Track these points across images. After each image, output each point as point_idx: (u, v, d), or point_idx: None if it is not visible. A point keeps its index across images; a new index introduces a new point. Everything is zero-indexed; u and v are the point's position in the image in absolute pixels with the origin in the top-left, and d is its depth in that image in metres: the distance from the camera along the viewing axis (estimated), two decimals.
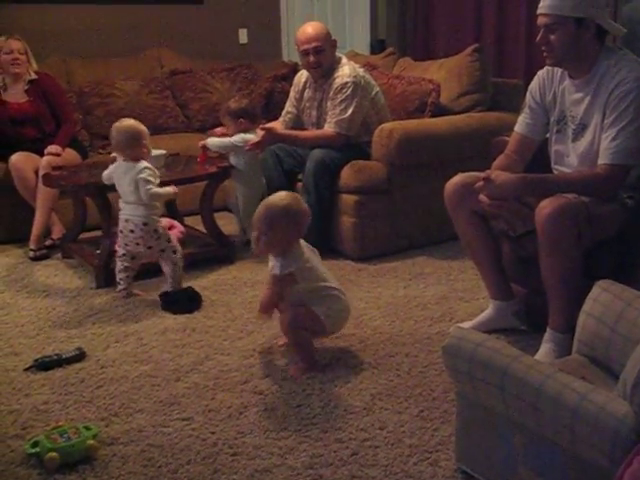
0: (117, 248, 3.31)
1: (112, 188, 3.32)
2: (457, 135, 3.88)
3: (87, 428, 2.10)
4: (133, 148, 3.20)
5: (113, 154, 3.76)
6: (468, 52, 4.28)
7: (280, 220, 2.45)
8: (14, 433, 2.18)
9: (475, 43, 4.53)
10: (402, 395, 2.35)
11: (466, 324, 2.83)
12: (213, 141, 3.88)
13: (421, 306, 3.11)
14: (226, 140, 3.86)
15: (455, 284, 3.36)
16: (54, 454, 1.99)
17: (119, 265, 3.30)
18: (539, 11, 2.52)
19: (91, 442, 2.05)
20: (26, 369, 2.60)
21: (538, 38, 2.53)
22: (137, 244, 3.24)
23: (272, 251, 2.51)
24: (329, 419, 2.21)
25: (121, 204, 3.26)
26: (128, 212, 3.22)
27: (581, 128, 2.56)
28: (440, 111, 4.13)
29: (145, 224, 3.20)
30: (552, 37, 2.48)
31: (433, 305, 3.12)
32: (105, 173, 3.32)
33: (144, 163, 3.20)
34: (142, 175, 3.15)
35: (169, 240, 3.28)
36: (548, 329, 2.51)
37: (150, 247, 3.24)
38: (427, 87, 4.16)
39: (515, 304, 2.83)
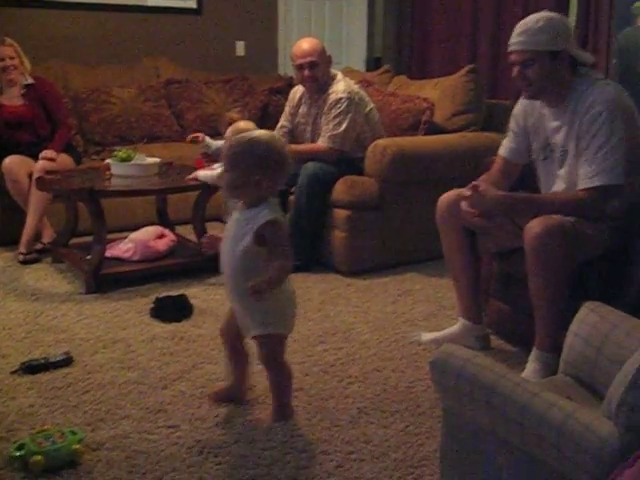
0: None
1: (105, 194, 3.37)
2: (450, 154, 3.92)
3: (73, 432, 2.09)
4: None
5: (107, 160, 3.80)
6: (463, 72, 4.32)
7: (242, 157, 2.08)
8: None
9: (470, 64, 4.58)
10: (388, 410, 2.36)
11: (429, 335, 2.90)
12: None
13: (409, 322, 3.13)
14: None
15: (443, 301, 3.37)
16: (39, 457, 1.98)
17: None
18: (512, 48, 2.56)
19: (76, 447, 2.04)
20: (13, 372, 2.59)
21: (514, 74, 2.58)
22: None
23: (234, 195, 2.15)
24: (314, 431, 2.22)
25: None
26: None
27: (563, 155, 2.60)
28: (433, 130, 4.17)
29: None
30: (529, 72, 2.53)
31: (421, 321, 3.14)
32: None
33: None
34: None
35: None
36: (534, 348, 2.53)
37: None
38: (421, 105, 4.20)
39: (481, 329, 2.87)
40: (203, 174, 3.57)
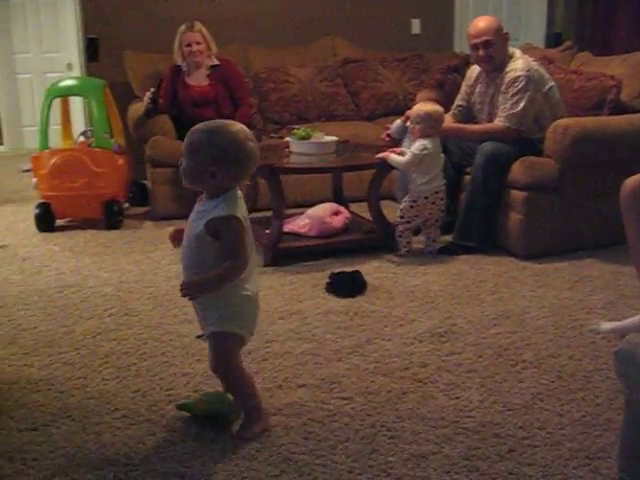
0: (412, 217, 3.70)
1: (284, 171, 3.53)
2: (637, 135, 3.71)
3: None
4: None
5: (287, 138, 3.92)
6: None
7: (200, 146, 1.96)
8: (186, 394, 2.34)
9: None
10: (564, 398, 2.30)
11: (609, 324, 2.79)
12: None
13: (586, 309, 3.02)
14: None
15: (624, 290, 3.22)
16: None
17: (408, 230, 3.72)
18: None
19: None
20: (198, 336, 2.74)
21: None
22: (440, 209, 3.71)
23: (191, 184, 2.01)
24: (487, 414, 2.21)
25: (429, 179, 3.64)
26: (441, 183, 3.69)
27: None
28: (619, 109, 3.96)
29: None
30: None
31: (599, 310, 3.02)
32: (426, 153, 3.61)
33: None
34: None
35: None
36: None
37: (443, 211, 3.75)
38: (607, 83, 4.00)
39: None
40: (394, 158, 3.61)
